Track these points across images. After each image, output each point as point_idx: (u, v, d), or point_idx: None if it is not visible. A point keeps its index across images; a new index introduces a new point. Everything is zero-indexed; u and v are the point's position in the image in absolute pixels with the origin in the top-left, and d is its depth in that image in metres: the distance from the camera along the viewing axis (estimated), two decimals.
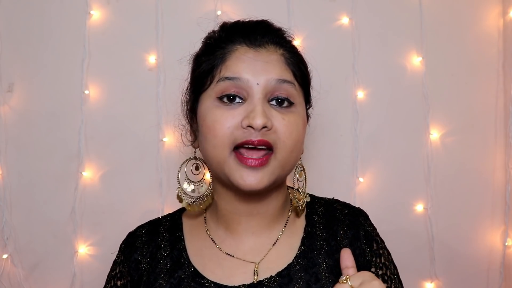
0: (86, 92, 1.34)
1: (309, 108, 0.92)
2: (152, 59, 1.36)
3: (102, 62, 1.36)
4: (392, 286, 0.86)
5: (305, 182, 0.90)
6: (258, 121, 0.75)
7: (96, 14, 1.36)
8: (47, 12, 1.35)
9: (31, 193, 1.34)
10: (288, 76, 0.81)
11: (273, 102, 0.80)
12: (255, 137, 0.76)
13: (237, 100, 0.79)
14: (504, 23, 1.43)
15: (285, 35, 0.88)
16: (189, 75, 0.90)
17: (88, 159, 1.35)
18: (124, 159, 1.36)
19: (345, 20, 1.40)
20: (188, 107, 0.89)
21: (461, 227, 1.42)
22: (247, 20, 0.88)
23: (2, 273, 1.32)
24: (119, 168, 1.36)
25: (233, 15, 0.99)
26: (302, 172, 0.89)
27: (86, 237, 1.35)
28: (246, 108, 0.78)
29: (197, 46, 0.90)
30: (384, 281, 0.86)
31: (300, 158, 0.88)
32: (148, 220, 0.98)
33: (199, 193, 0.89)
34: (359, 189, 1.40)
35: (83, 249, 1.34)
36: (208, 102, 0.81)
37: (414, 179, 1.42)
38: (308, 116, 0.92)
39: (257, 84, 0.78)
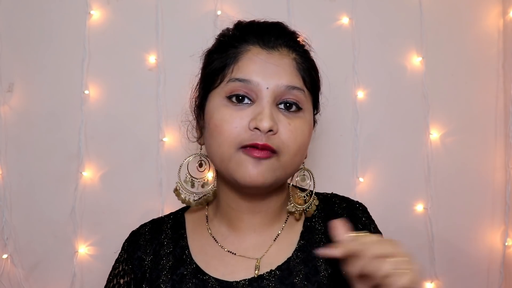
0: (86, 92, 1.34)
1: (316, 113, 0.92)
2: (152, 59, 1.36)
3: (102, 62, 1.36)
4: None
5: (314, 185, 0.91)
6: (265, 124, 0.76)
7: (96, 14, 1.36)
8: (47, 12, 1.35)
9: (31, 193, 1.34)
10: (298, 82, 0.82)
11: (281, 106, 0.81)
12: (260, 140, 0.76)
13: (246, 100, 0.79)
14: (504, 23, 1.43)
15: (298, 39, 0.88)
16: (200, 71, 0.90)
17: (88, 159, 1.35)
18: (124, 159, 1.36)
19: (345, 20, 1.40)
20: (197, 103, 0.90)
21: (461, 227, 1.42)
22: (262, 21, 0.88)
23: (2, 273, 1.32)
24: (119, 168, 1.36)
25: (233, 16, 0.99)
26: (305, 176, 0.90)
27: (86, 237, 1.35)
28: (254, 109, 0.78)
29: (210, 42, 0.90)
30: None
31: (304, 162, 0.89)
32: (149, 220, 0.98)
33: (202, 187, 0.90)
34: (359, 189, 1.40)
35: (83, 249, 1.34)
36: (217, 100, 0.81)
37: (414, 179, 1.42)
38: (314, 122, 0.92)
39: (267, 88, 0.79)
